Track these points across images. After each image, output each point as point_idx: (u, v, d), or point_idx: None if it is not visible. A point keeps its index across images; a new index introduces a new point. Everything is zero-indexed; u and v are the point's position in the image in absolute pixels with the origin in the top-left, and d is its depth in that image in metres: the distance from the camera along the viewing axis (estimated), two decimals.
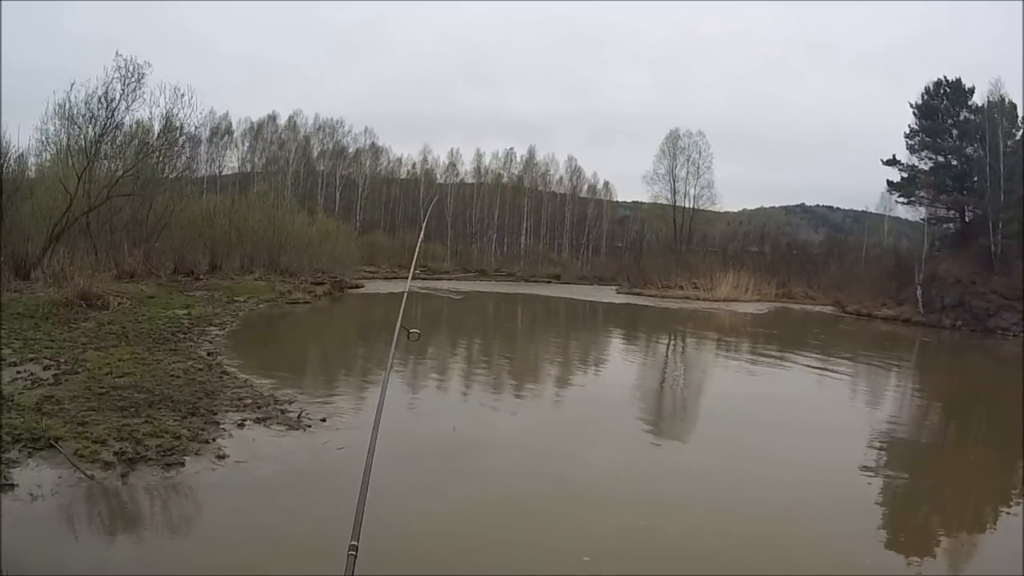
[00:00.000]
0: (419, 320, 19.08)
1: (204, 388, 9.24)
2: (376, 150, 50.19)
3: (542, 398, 11.55)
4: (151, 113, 22.67)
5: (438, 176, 52.16)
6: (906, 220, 40.36)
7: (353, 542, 1.56)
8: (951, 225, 34.27)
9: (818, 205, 70.17)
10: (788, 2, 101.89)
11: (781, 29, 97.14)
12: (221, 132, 44.61)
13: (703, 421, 10.98)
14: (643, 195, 63.09)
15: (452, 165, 52.52)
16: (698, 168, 48.78)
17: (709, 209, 49.98)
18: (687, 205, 49.10)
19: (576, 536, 5.64)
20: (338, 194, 46.51)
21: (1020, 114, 31.42)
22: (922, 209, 34.62)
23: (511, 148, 54.05)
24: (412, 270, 4.28)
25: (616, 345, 20.56)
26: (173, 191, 24.88)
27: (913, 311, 29.84)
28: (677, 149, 48.88)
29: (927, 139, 33.71)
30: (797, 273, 41.63)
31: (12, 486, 5.51)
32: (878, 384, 15.40)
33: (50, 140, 21.90)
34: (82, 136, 20.50)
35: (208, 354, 11.95)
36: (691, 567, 5.29)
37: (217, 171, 44.28)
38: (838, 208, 64.10)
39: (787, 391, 13.63)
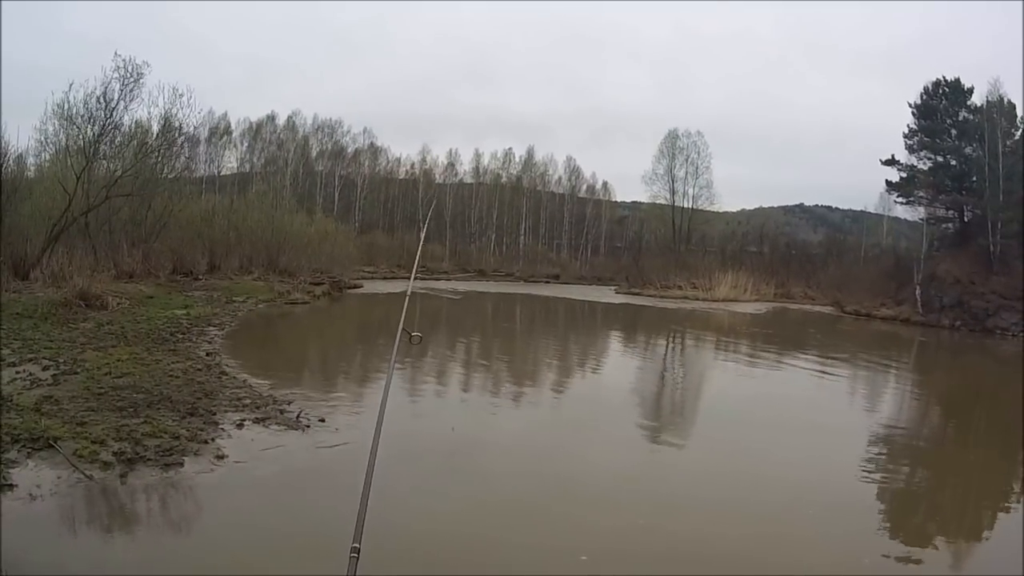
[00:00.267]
0: (418, 320, 19.00)
1: (203, 388, 9.24)
2: (375, 150, 50.21)
3: (541, 398, 11.55)
4: (150, 113, 22.66)
5: (437, 176, 52.19)
6: (905, 220, 40.51)
7: (355, 544, 1.56)
8: (950, 225, 34.31)
9: (817, 205, 70.35)
10: (788, 2, 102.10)
11: (781, 29, 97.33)
12: (220, 132, 44.56)
13: (702, 421, 10.98)
14: (642, 195, 63.07)
15: (451, 165, 52.55)
16: (697, 168, 48.87)
17: (708, 209, 50.06)
18: (686, 205, 49.17)
19: (576, 536, 5.64)
20: (337, 194, 46.49)
21: (1019, 114, 31.52)
22: (921, 209, 34.72)
23: (510, 148, 54.07)
24: (413, 273, 4.25)
25: (615, 345, 20.57)
26: (172, 191, 24.85)
27: (912, 311, 29.86)
28: (676, 149, 48.95)
29: (926, 139, 33.73)
30: (796, 273, 41.63)
31: (12, 486, 5.51)
32: (877, 384, 15.41)
33: (49, 140, 21.91)
34: (81, 136, 20.48)
35: (207, 354, 11.95)
36: (690, 567, 5.29)
37: (216, 171, 44.23)
38: (837, 208, 64.26)
39: (786, 391, 13.63)
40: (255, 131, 46.23)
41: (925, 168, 33.88)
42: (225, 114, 44.97)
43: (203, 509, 5.80)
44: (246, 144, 46.12)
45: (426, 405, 10.22)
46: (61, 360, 9.77)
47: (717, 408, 11.80)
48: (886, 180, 36.50)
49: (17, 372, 8.92)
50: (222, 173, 44.65)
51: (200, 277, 23.93)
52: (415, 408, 9.84)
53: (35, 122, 27.47)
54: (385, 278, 35.79)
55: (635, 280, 40.25)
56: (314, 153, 47.68)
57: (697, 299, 34.98)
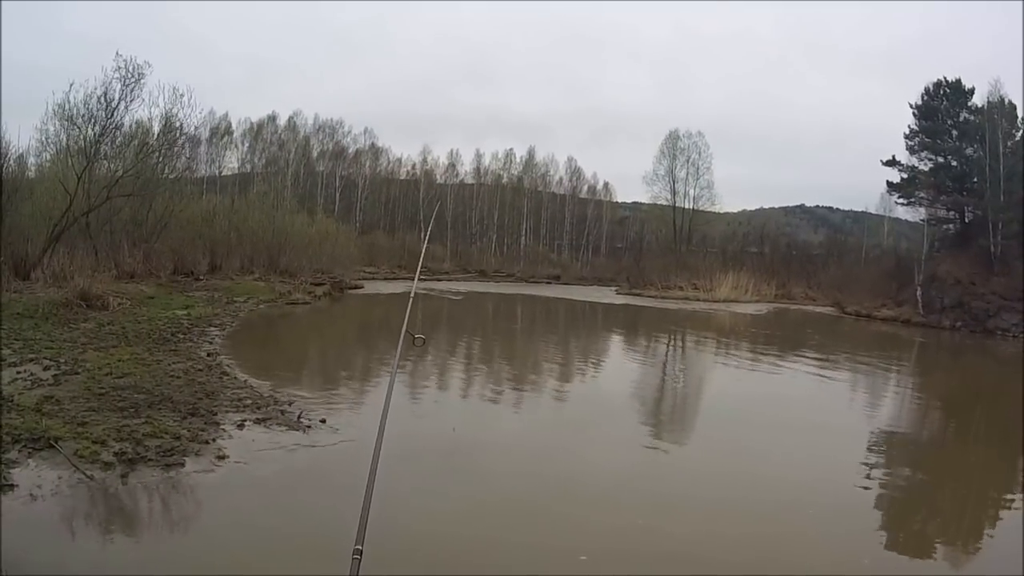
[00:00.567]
0: (419, 321, 19.07)
1: (204, 389, 9.24)
2: (376, 150, 50.29)
3: (541, 398, 11.55)
4: (151, 113, 22.75)
5: (438, 177, 52.25)
6: (906, 221, 40.43)
7: (357, 546, 1.56)
8: (951, 226, 34.27)
9: (818, 206, 70.35)
10: (788, 2, 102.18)
11: (781, 29, 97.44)
12: (221, 132, 44.65)
13: (702, 421, 10.98)
14: (643, 196, 63.27)
15: (452, 166, 52.64)
16: (698, 169, 48.94)
17: (709, 210, 50.12)
18: (687, 206, 49.24)
19: (575, 536, 5.64)
20: (338, 195, 46.54)
21: (1020, 115, 31.43)
22: (922, 210, 34.67)
23: (511, 149, 54.27)
24: (417, 275, 4.23)
25: (616, 346, 20.57)
26: (173, 191, 24.88)
27: (913, 312, 29.84)
28: (677, 150, 49.02)
29: (927, 140, 33.69)
30: (797, 274, 41.61)
31: (12, 486, 5.51)
32: (878, 385, 15.39)
33: (50, 140, 21.97)
34: (82, 136, 20.50)
35: (208, 355, 11.96)
36: (690, 567, 5.29)
37: (217, 171, 44.31)
38: (838, 209, 64.24)
39: (786, 391, 13.63)
40: (256, 131, 46.34)
41: (926, 169, 33.85)
42: (226, 114, 45.13)
43: (204, 509, 5.80)
44: (247, 144, 46.25)
45: (427, 405, 10.23)
46: (62, 360, 9.78)
47: (717, 408, 11.80)
48: (887, 181, 36.54)
49: (18, 372, 8.92)
50: (223, 173, 44.75)
51: (201, 277, 23.95)
52: (416, 408, 9.85)
53: (36, 122, 27.51)
54: (386, 279, 35.82)
55: (636, 281, 40.26)
56: (315, 153, 47.77)
57: (698, 300, 35.00)
